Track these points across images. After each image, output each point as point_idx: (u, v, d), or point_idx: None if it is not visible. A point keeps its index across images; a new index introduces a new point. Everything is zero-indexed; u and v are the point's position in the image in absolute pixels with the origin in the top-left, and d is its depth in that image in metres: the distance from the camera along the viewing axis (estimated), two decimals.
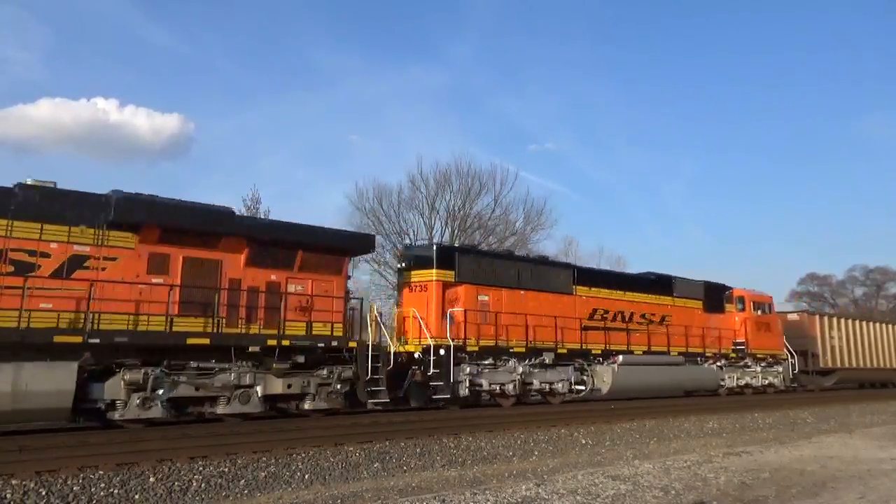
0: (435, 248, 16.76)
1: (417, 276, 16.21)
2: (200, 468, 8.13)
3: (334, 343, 12.88)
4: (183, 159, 75.36)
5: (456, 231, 38.56)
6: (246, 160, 71.11)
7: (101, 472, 7.57)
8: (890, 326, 35.25)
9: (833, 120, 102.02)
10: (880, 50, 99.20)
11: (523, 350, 16.59)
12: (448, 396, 14.82)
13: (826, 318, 30.47)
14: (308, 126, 78.29)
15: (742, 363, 23.83)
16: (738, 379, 23.67)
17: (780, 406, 19.84)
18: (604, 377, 18.40)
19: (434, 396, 14.84)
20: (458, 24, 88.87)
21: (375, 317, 14.47)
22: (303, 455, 9.17)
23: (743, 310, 24.16)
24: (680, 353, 20.92)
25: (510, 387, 16.27)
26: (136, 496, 7.25)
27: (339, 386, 12.93)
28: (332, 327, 12.99)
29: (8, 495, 6.74)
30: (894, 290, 75.91)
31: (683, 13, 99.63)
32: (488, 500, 7.07)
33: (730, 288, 24.60)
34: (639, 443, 12.89)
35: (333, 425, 12.10)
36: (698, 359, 21.81)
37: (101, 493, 7.14)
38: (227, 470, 8.21)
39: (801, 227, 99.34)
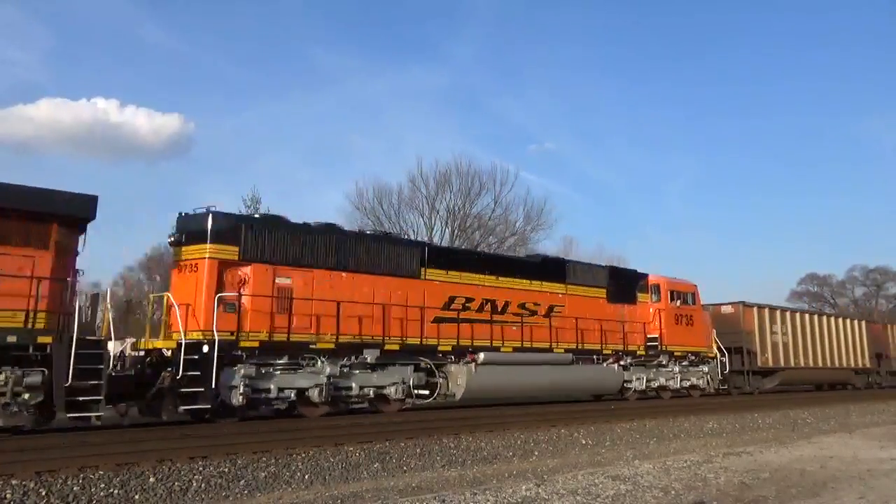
0: (210, 215, 12.63)
1: (189, 252, 12.64)
2: (200, 468, 8.12)
3: (11, 338, 9.58)
4: (183, 159, 75.51)
5: (456, 231, 38.65)
6: (246, 160, 71.22)
7: (101, 472, 7.56)
8: (846, 321, 32.07)
9: (834, 120, 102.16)
10: (881, 50, 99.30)
11: (332, 346, 13.23)
12: (207, 406, 11.58)
13: (767, 311, 26.87)
14: (308, 126, 78.44)
15: (655, 362, 20.44)
16: (649, 380, 20.20)
17: (779, 406, 19.82)
18: (458, 379, 15.18)
19: (182, 408, 11.44)
20: (458, 24, 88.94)
21: (107, 305, 12.04)
22: (303, 455, 9.17)
23: (658, 300, 20.76)
24: (569, 350, 17.69)
25: (315, 392, 12.92)
26: (136, 496, 7.24)
27: (26, 395, 9.55)
28: (28, 317, 9.72)
29: (8, 495, 6.74)
30: (894, 290, 76.10)
31: (684, 13, 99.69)
32: (488, 500, 7.06)
33: (644, 275, 21.19)
34: (639, 443, 12.88)
35: (333, 425, 12.11)
36: (595, 357, 18.55)
37: (101, 493, 7.13)
38: (227, 470, 8.20)
39: (801, 227, 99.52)
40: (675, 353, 20.88)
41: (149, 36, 73.93)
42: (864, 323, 33.05)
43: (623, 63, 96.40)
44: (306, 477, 8.46)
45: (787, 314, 28.15)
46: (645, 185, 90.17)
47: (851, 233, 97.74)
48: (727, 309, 26.09)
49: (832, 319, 30.86)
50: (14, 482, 7.01)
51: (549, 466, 10.08)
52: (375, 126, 77.53)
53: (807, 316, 29.63)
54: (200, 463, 8.32)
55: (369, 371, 13.97)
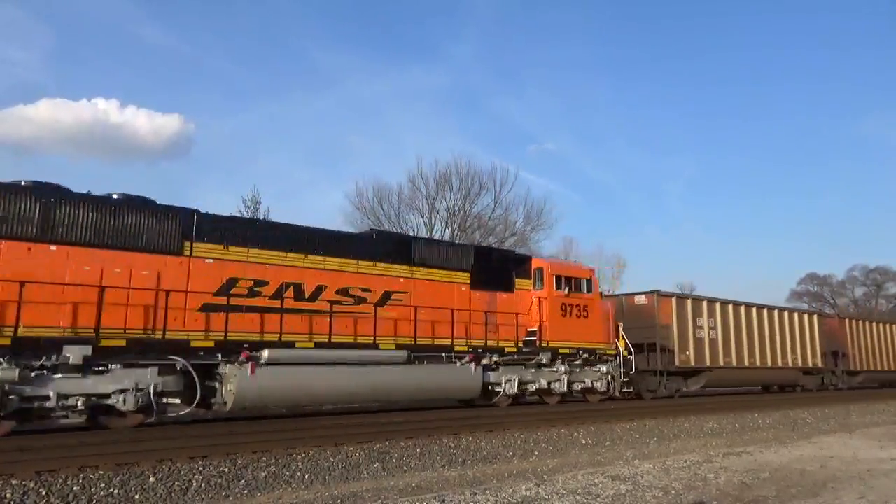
0: None
1: None
2: (200, 468, 8.13)
3: None
4: (183, 159, 75.43)
5: (456, 231, 38.69)
6: (246, 160, 71.15)
7: (101, 472, 7.57)
8: (793, 314, 28.18)
9: (833, 120, 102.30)
10: (881, 50, 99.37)
11: (7, 342, 9.87)
12: None
13: (690, 303, 22.87)
14: (308, 126, 78.37)
15: (535, 360, 16.80)
16: (525, 382, 16.65)
17: (780, 406, 19.83)
18: (229, 383, 11.78)
19: None
20: (458, 24, 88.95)
21: None
22: (303, 455, 9.18)
23: (541, 287, 17.26)
24: (406, 347, 14.19)
25: None
26: (136, 496, 7.25)
27: None
28: None
29: (8, 495, 6.74)
30: (894, 290, 76.19)
31: (683, 13, 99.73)
32: (488, 500, 7.07)
33: (525, 257, 18.20)
34: (639, 443, 12.89)
35: (333, 425, 12.11)
36: (445, 354, 14.94)
37: (101, 493, 7.13)
38: (227, 470, 8.21)
39: (801, 227, 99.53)
40: (561, 350, 17.35)
41: (149, 36, 73.99)
42: (815, 317, 29.44)
43: (623, 63, 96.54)
44: (306, 477, 8.47)
45: (717, 306, 24.05)
46: (645, 185, 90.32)
47: (851, 233, 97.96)
48: (640, 300, 22.26)
49: (775, 312, 27.01)
50: (14, 482, 7.02)
51: (549, 466, 10.08)
52: (375, 126, 77.62)
53: (742, 308, 25.34)
54: (200, 463, 8.33)
55: (79, 375, 10.49)
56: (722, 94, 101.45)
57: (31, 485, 7.01)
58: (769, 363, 25.65)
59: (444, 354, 14.96)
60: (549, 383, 17.21)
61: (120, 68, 74.70)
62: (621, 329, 19.34)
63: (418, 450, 10.23)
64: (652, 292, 22.29)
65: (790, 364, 26.83)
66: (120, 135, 68.99)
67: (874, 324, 33.89)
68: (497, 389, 16.08)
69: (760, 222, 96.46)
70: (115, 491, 7.24)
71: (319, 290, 13.46)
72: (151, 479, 7.61)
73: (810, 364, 28.01)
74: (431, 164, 40.39)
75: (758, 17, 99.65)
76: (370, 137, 75.47)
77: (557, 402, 17.51)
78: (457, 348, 15.18)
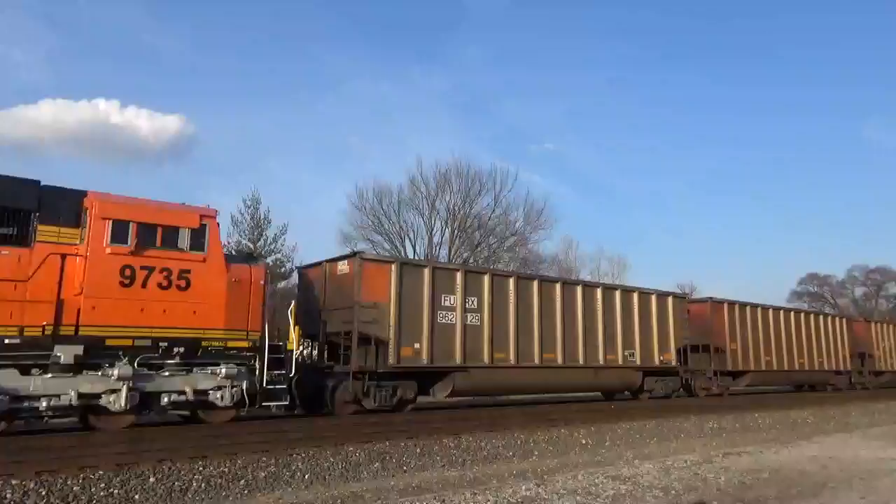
0: None
1: None
2: (200, 468, 8.12)
3: None
4: (185, 160, 75.39)
5: (456, 231, 38.71)
6: (247, 161, 71.11)
7: (101, 472, 7.56)
8: (629, 294, 20.24)
9: (834, 121, 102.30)
10: (882, 51, 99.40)
11: None
12: None
13: (427, 272, 15.55)
14: (310, 127, 78.35)
15: (51, 360, 10.14)
16: (29, 397, 9.87)
17: (780, 406, 19.82)
18: None
19: None
20: (459, 25, 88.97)
21: None
22: (303, 455, 9.17)
23: (82, 241, 10.76)
24: None
25: None
26: (136, 496, 7.25)
27: None
28: None
29: (8, 495, 6.74)
30: (894, 290, 76.14)
31: (684, 13, 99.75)
32: (488, 500, 7.07)
33: (69, 192, 10.94)
34: (639, 443, 12.88)
35: (333, 425, 12.11)
36: None
37: (101, 493, 7.13)
38: (227, 470, 8.20)
39: (801, 227, 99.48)
40: (112, 342, 10.72)
41: (150, 36, 74.04)
42: (670, 299, 21.35)
43: (623, 63, 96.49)
44: (306, 477, 8.47)
45: (485, 278, 16.61)
46: (645, 185, 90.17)
47: (851, 233, 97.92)
48: (343, 267, 14.96)
49: (597, 291, 19.28)
50: (14, 482, 7.01)
51: (549, 466, 10.08)
52: (377, 126, 77.64)
53: (534, 284, 17.74)
54: (200, 463, 8.32)
55: None
56: (722, 94, 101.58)
57: (31, 485, 7.00)
58: (581, 361, 18.32)
59: None
60: (77, 395, 10.28)
61: (121, 69, 74.77)
62: (291, 311, 13.48)
63: (418, 450, 10.22)
64: (354, 254, 15.44)
65: (621, 362, 19.36)
66: (121, 136, 69.04)
67: (769, 310, 26.01)
68: None
69: (760, 222, 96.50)
70: (115, 491, 7.23)
71: None
72: (151, 479, 7.60)
73: (657, 361, 20.51)
74: (431, 165, 40.49)
75: (759, 17, 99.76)
76: (371, 138, 75.59)
77: (130, 426, 10.91)
78: None
